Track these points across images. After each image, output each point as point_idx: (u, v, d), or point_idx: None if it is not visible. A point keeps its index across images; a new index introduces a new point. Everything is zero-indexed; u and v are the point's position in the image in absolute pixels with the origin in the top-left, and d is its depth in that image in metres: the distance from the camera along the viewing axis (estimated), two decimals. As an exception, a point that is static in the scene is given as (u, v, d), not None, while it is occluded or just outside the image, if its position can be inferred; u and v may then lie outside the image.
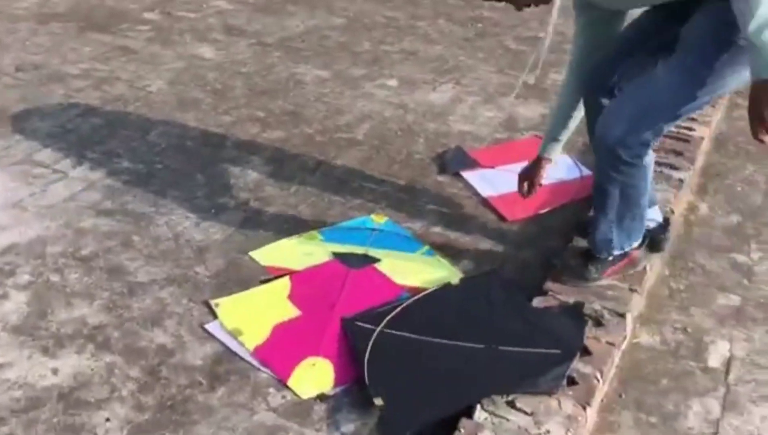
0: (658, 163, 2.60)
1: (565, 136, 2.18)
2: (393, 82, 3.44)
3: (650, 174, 1.89)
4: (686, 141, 2.74)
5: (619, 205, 1.89)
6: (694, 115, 2.91)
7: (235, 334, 1.88)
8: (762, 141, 1.56)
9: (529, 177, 2.28)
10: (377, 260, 2.19)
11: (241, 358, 1.82)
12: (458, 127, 3.05)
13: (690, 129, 2.81)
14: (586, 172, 2.62)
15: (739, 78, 1.67)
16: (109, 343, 1.85)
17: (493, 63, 3.63)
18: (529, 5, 1.83)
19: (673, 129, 2.89)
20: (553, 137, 2.19)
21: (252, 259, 2.18)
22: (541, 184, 2.29)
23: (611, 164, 1.82)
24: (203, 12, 4.23)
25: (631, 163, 1.81)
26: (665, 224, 2.12)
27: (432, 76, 3.50)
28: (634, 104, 1.77)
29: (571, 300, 1.93)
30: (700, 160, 2.76)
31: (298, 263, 2.16)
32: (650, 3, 1.78)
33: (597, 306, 1.91)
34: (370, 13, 4.32)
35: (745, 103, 1.55)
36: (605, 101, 1.97)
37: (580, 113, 2.12)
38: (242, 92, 3.28)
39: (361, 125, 3.04)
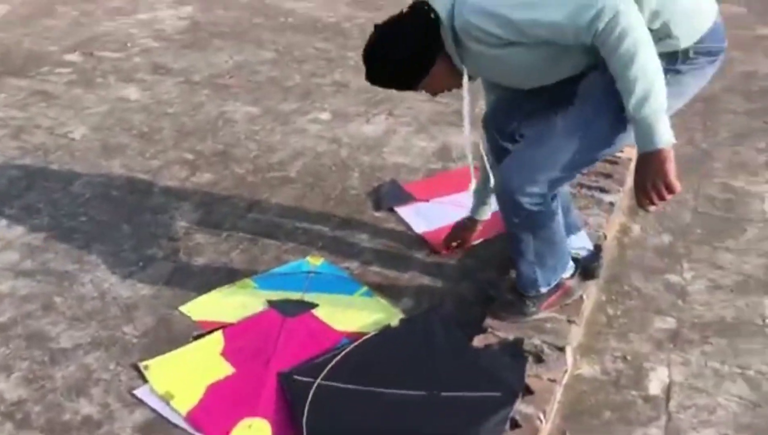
0: (588, 187, 2.64)
1: (493, 199, 2.21)
2: (325, 116, 3.41)
3: (559, 212, 1.88)
4: (615, 163, 2.78)
5: (535, 245, 1.88)
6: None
7: (166, 399, 1.79)
8: (647, 210, 1.64)
9: (462, 237, 2.38)
10: (314, 306, 2.13)
11: (174, 425, 1.73)
12: (393, 160, 3.03)
13: (620, 151, 2.85)
14: None
15: (619, 135, 1.74)
16: (29, 419, 1.74)
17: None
18: (443, 91, 1.90)
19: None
20: (482, 201, 2.29)
21: (183, 314, 2.09)
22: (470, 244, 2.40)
23: (514, 211, 1.81)
24: (127, 51, 4.12)
25: (532, 211, 1.79)
26: (596, 251, 2.13)
27: (365, 107, 3.48)
28: (531, 154, 1.78)
29: (511, 336, 1.91)
30: (629, 181, 2.80)
31: (232, 315, 2.09)
32: (552, 81, 1.80)
33: (537, 341, 1.89)
34: (300, 45, 4.29)
35: (671, 120, 1.60)
36: (508, 145, 2.00)
37: None
38: (170, 134, 3.19)
39: (294, 162, 2.99)
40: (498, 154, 2.04)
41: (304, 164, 2.97)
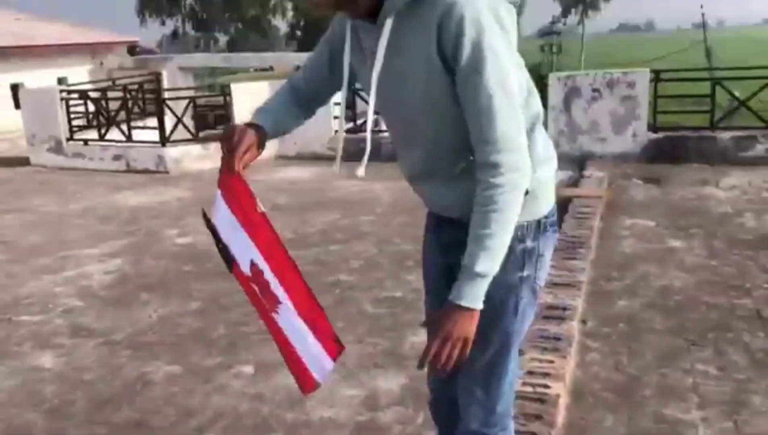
0: (519, 432, 2.53)
1: (273, 111, 1.71)
2: (249, 369, 3.30)
3: None
4: (543, 401, 2.71)
5: None
6: (547, 370, 2.94)
7: None
8: (420, 367, 1.55)
9: (230, 136, 1.58)
10: None
11: None
12: (318, 414, 2.89)
13: (545, 386, 2.80)
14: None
15: (523, 323, 1.71)
16: None
17: (352, 332, 3.59)
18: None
19: (529, 388, 2.90)
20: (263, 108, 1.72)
21: None
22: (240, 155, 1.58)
23: None
24: (49, 313, 4.04)
25: None
26: None
27: (290, 355, 3.40)
28: (473, 390, 1.77)
29: None
30: (560, 418, 2.71)
31: None
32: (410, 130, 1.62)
33: None
34: (229, 292, 4.26)
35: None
36: (452, 394, 1.92)
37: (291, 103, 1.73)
38: (82, 406, 3.02)
39: (213, 426, 2.82)
40: (446, 408, 1.94)
41: (223, 428, 2.81)
